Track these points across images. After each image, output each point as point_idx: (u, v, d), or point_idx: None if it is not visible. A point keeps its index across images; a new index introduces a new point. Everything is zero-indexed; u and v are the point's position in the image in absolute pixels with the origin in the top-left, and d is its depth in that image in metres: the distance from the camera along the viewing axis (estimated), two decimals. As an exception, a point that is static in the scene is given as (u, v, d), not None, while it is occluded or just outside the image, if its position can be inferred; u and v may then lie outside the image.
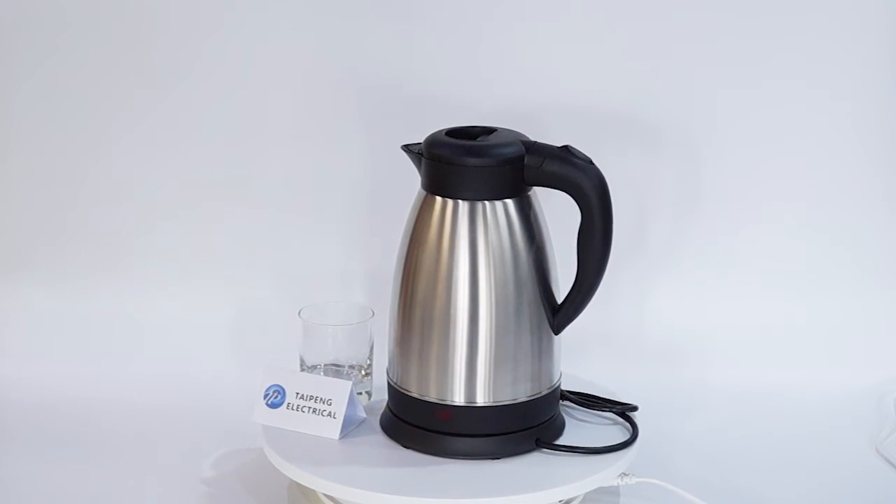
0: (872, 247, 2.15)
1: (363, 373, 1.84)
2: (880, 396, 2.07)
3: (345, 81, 2.10)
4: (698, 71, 2.09)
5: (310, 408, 1.76)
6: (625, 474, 1.75)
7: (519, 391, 1.73)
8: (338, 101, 2.10)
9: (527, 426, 1.74)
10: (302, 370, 1.84)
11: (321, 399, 1.76)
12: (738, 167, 2.12)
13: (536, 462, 1.73)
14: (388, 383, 1.78)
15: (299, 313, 1.84)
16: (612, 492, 1.79)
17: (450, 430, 1.72)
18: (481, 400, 1.72)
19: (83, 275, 2.15)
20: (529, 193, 1.72)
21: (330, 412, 1.75)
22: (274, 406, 1.77)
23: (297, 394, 1.77)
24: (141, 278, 2.15)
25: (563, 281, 1.78)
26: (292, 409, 1.77)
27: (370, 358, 1.85)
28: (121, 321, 2.14)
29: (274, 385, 1.78)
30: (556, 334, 1.75)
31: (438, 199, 1.71)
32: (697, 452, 1.94)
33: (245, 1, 2.07)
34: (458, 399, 1.72)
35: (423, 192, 1.73)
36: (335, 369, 1.84)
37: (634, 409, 1.84)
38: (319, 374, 1.83)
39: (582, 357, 1.96)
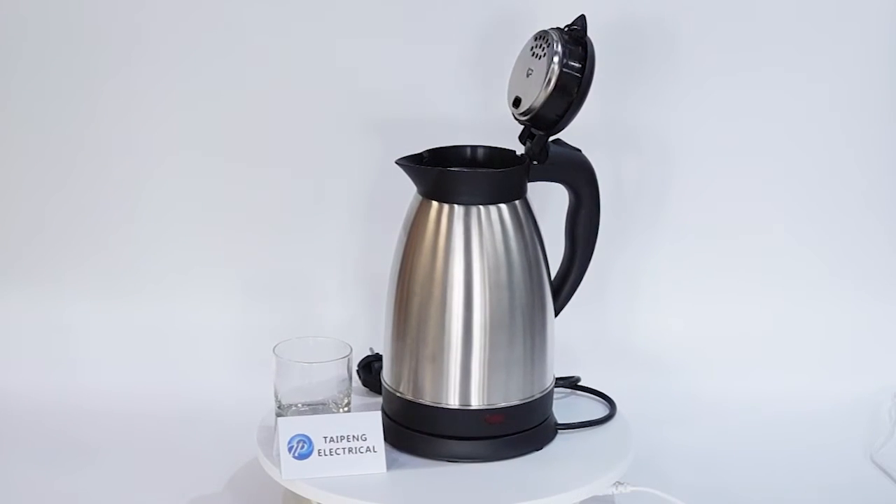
0: (867, 256, 2.14)
1: (341, 411, 1.77)
2: (875, 405, 2.06)
3: (342, 90, 2.09)
4: (691, 70, 2.08)
5: (345, 448, 1.68)
6: (619, 483, 1.74)
7: (513, 394, 1.73)
8: (333, 111, 2.10)
9: (521, 429, 1.74)
10: (278, 409, 1.76)
11: (354, 436, 1.68)
12: (732, 173, 2.12)
13: (531, 470, 1.72)
14: (384, 387, 1.78)
15: (274, 350, 1.76)
16: (607, 500, 1.78)
17: (450, 433, 1.71)
18: (476, 403, 1.72)
19: (76, 285, 2.14)
20: (524, 197, 1.73)
21: (367, 447, 1.68)
22: (303, 457, 1.67)
23: (326, 437, 1.68)
24: (135, 288, 2.14)
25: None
26: (324, 454, 1.67)
27: (348, 395, 1.78)
28: (115, 331, 2.13)
29: (297, 436, 1.67)
30: (555, 316, 1.78)
31: (434, 203, 1.71)
32: (692, 461, 1.93)
33: (245, 12, 2.07)
34: (453, 402, 1.71)
35: (420, 197, 1.73)
36: (311, 408, 1.76)
37: (578, 379, 1.89)
38: (294, 412, 1.75)
39: (575, 366, 1.95)
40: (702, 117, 2.10)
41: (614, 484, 1.73)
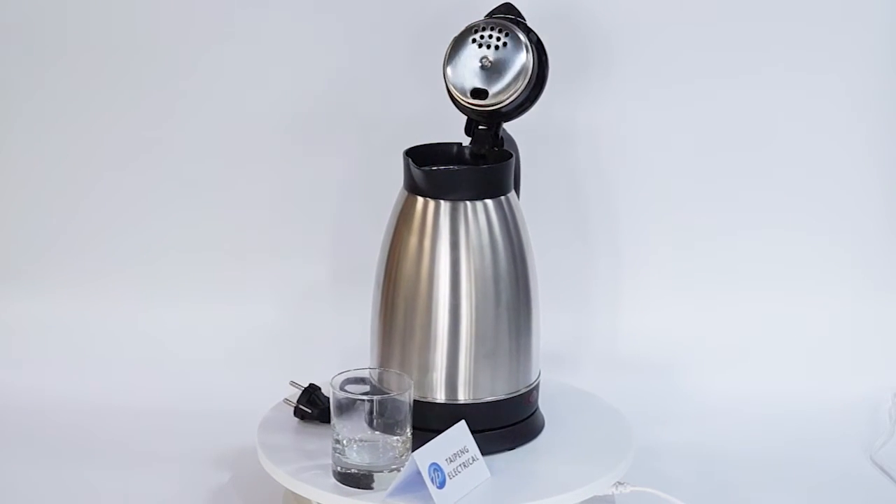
0: (867, 254, 2.13)
1: (403, 447, 1.67)
2: (875, 405, 2.04)
3: (332, 87, 2.08)
4: (691, 66, 2.06)
5: (461, 464, 1.64)
6: (619, 483, 1.72)
7: (498, 389, 1.71)
8: (314, 110, 2.09)
9: (507, 423, 1.72)
10: (336, 444, 1.66)
11: (460, 451, 1.65)
12: (730, 169, 2.10)
13: (530, 470, 1.70)
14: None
15: (331, 382, 1.67)
16: (607, 500, 1.76)
17: (437, 427, 1.68)
18: (462, 397, 1.70)
19: (81, 284, 2.14)
20: (509, 194, 1.71)
21: (471, 457, 1.65)
22: (442, 485, 1.62)
23: (447, 459, 1.63)
24: (134, 288, 2.14)
25: (542, 280, 1.76)
26: (452, 476, 1.63)
27: (409, 429, 1.68)
28: (115, 330, 2.13)
29: (431, 465, 1.61)
30: None
31: (420, 199, 1.69)
32: (692, 461, 1.91)
33: (235, 12, 2.06)
34: (440, 397, 1.70)
35: (405, 193, 1.71)
36: (370, 443, 1.66)
37: None
38: (353, 448, 1.66)
39: (576, 367, 1.94)
40: (692, 113, 2.08)
41: (614, 484, 1.71)
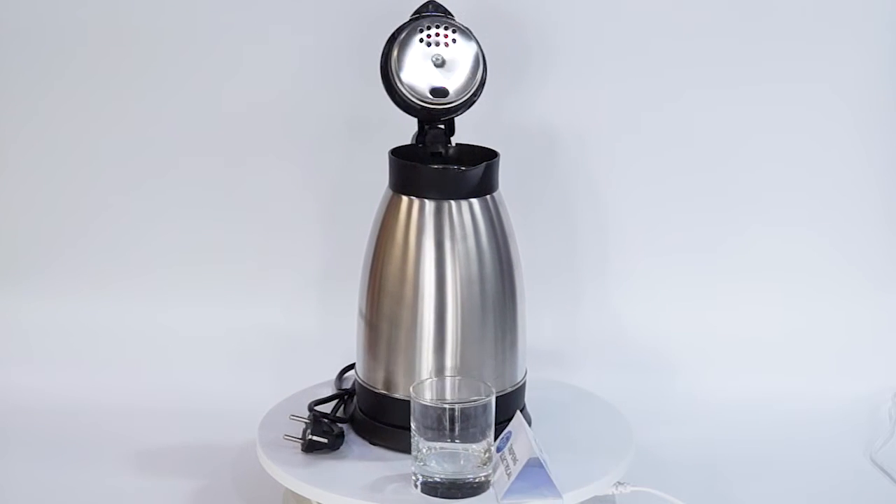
0: (868, 255, 2.12)
1: (485, 455, 1.64)
2: (875, 405, 2.03)
3: (323, 83, 2.08)
4: (695, 69, 2.06)
5: (541, 453, 1.64)
6: (619, 483, 1.71)
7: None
8: (296, 110, 2.09)
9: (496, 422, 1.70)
10: (417, 454, 1.63)
11: (534, 439, 1.65)
12: (734, 169, 2.09)
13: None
14: (357, 383, 1.76)
15: (412, 389, 1.63)
16: (607, 500, 1.75)
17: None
18: (449, 396, 1.67)
19: (80, 286, 2.15)
20: (495, 193, 1.70)
21: (540, 447, 1.65)
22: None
23: (539, 451, 1.64)
24: (131, 290, 2.15)
25: (528, 278, 1.76)
26: (549, 466, 1.63)
27: (492, 435, 1.65)
28: (115, 331, 2.13)
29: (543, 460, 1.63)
30: None
31: (405, 198, 1.68)
32: (693, 461, 1.90)
33: (229, 8, 2.06)
34: (428, 396, 1.67)
35: (390, 192, 1.70)
36: (450, 452, 1.63)
37: None
38: (432, 458, 1.63)
39: (576, 366, 1.93)
40: (687, 111, 2.08)
41: (614, 484, 1.71)
